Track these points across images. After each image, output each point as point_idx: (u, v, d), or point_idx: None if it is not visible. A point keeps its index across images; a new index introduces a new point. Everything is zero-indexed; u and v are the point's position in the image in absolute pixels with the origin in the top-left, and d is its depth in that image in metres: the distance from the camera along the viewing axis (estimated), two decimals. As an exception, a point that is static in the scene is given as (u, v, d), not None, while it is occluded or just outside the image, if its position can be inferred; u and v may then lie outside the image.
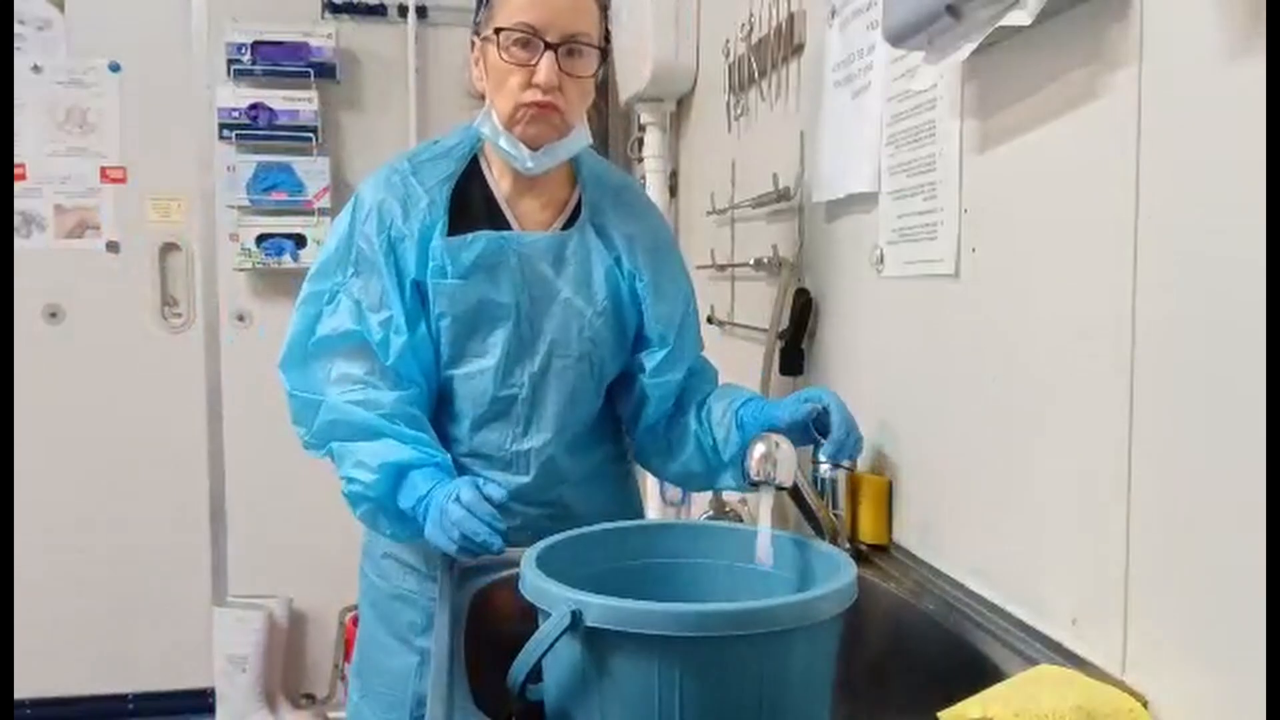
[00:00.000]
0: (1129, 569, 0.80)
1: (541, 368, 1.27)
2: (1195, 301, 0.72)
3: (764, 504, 0.97)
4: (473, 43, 1.28)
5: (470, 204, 1.28)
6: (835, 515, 1.22)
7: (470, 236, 1.25)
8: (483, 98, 1.27)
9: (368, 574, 1.38)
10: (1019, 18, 0.84)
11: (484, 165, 1.31)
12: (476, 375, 1.26)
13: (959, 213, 1.06)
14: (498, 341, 1.26)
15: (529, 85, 1.20)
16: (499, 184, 1.30)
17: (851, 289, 1.35)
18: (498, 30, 1.21)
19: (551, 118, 1.22)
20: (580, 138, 1.28)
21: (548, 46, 1.19)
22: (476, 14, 1.28)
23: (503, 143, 1.24)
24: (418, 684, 1.28)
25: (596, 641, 0.77)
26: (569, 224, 1.31)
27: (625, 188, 1.40)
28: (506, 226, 1.28)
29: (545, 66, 1.19)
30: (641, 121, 2.35)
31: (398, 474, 1.17)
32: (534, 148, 1.24)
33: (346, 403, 1.21)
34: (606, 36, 1.29)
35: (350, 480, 1.19)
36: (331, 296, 1.25)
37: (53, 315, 2.89)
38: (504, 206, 1.29)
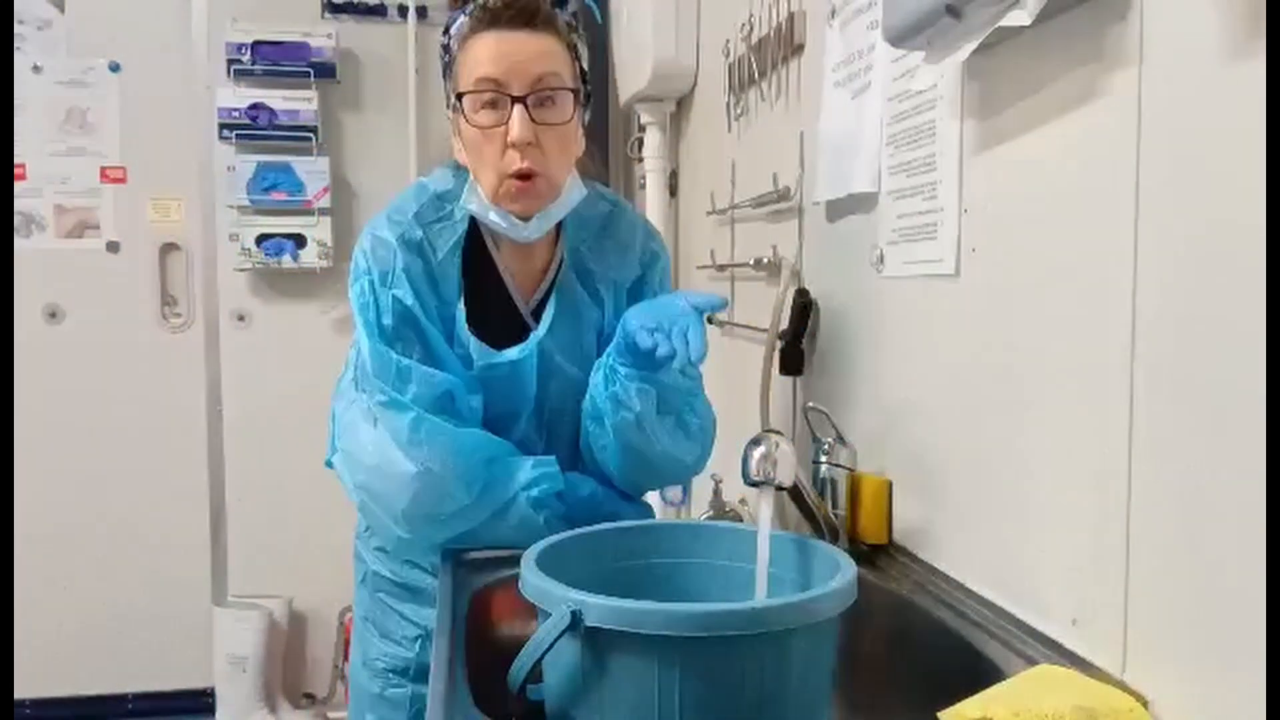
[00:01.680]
0: (1129, 569, 0.80)
1: (549, 423, 1.30)
2: (1195, 301, 0.72)
3: (764, 504, 0.97)
4: (449, 116, 1.24)
5: (478, 278, 1.25)
6: (835, 515, 1.22)
7: (502, 358, 1.23)
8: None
9: (361, 555, 1.41)
10: (1019, 18, 0.84)
11: (481, 228, 1.26)
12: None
13: (959, 213, 1.06)
14: (511, 425, 1.26)
15: (505, 149, 1.14)
16: (497, 250, 1.27)
17: (851, 289, 1.35)
18: (460, 96, 1.15)
19: (536, 187, 1.17)
20: (572, 193, 1.23)
21: (515, 100, 1.13)
22: (445, 85, 1.23)
23: (493, 217, 1.20)
24: (420, 654, 1.30)
25: (596, 641, 0.77)
26: (558, 267, 1.29)
27: (609, 220, 1.33)
28: (507, 294, 1.27)
29: (516, 120, 1.12)
30: (641, 121, 2.35)
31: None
32: (524, 219, 1.20)
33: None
34: (584, 77, 1.23)
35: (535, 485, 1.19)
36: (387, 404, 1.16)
37: (53, 315, 2.89)
38: (505, 277, 1.27)
